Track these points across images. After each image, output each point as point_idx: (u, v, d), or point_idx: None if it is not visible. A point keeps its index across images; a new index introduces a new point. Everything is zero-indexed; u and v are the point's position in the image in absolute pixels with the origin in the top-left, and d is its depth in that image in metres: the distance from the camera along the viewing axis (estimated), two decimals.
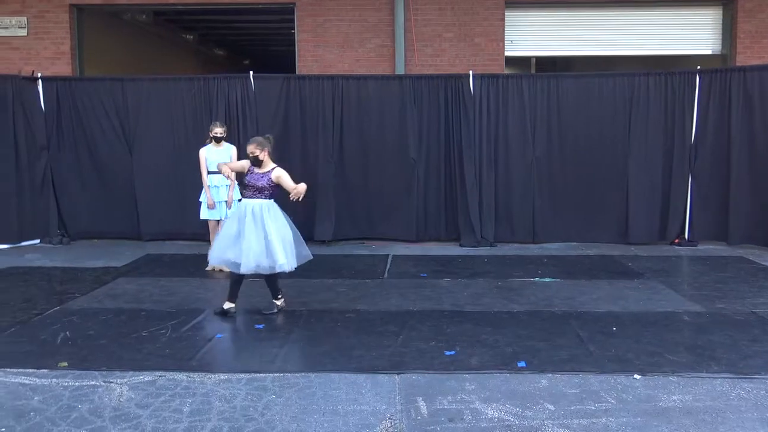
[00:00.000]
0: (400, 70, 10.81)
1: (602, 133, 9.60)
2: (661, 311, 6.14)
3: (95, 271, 8.01)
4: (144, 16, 13.88)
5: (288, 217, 6.10)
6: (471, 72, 9.73)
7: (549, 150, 9.67)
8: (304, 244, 6.11)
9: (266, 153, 6.03)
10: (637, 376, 4.56)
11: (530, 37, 11.32)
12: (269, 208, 5.95)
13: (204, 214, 7.83)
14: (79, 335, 5.49)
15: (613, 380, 4.50)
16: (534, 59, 12.28)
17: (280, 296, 6.20)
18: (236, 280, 6.04)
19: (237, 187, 7.62)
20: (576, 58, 12.56)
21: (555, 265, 8.25)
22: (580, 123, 9.62)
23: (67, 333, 5.55)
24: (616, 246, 9.42)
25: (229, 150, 7.92)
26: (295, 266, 5.95)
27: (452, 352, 5.02)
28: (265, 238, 5.80)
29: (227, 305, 6.06)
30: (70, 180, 10.00)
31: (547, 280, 7.43)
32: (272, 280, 6.12)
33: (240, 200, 6.36)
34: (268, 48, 18.82)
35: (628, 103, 9.56)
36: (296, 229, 6.08)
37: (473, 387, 4.40)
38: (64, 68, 11.13)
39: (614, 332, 5.51)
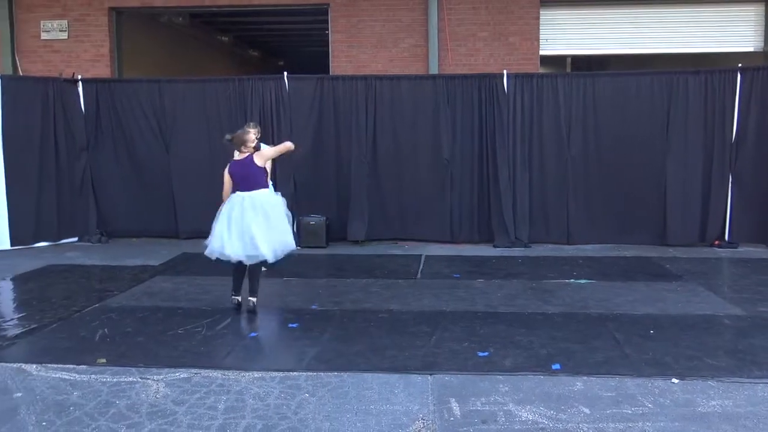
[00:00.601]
0: (434, 69, 10.79)
1: (639, 132, 9.45)
2: (700, 314, 6.02)
3: (133, 269, 8.16)
4: (180, 19, 14.10)
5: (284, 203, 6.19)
6: (505, 71, 9.67)
7: (584, 150, 9.56)
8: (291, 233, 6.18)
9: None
10: (675, 380, 4.48)
11: (565, 35, 11.19)
12: (275, 202, 6.06)
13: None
14: (117, 332, 5.61)
15: (650, 384, 4.43)
16: (569, 58, 12.15)
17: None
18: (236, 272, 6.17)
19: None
20: (612, 57, 12.39)
21: (590, 266, 8.15)
22: (617, 122, 9.48)
23: (106, 330, 5.66)
24: (653, 247, 9.26)
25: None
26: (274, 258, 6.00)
27: (486, 353, 5.00)
28: (269, 226, 5.91)
29: (235, 297, 6.19)
30: (109, 180, 10.21)
31: (582, 281, 7.34)
32: (256, 273, 6.13)
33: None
34: (302, 49, 18.95)
35: (667, 102, 9.38)
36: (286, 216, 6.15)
37: (507, 389, 4.37)
38: (103, 70, 11.37)
39: (651, 335, 5.42)
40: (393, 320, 5.91)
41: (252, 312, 6.03)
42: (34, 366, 4.79)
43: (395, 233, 9.87)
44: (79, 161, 10.08)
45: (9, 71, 11.18)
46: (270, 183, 7.71)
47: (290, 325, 5.78)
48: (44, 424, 3.94)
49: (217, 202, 6.40)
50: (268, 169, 6.38)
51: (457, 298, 6.67)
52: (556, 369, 4.69)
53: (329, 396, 4.28)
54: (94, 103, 10.10)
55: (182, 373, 4.65)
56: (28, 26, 11.45)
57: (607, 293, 6.78)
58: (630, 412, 4.04)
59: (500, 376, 4.56)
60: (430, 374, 4.61)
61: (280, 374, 4.62)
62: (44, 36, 11.48)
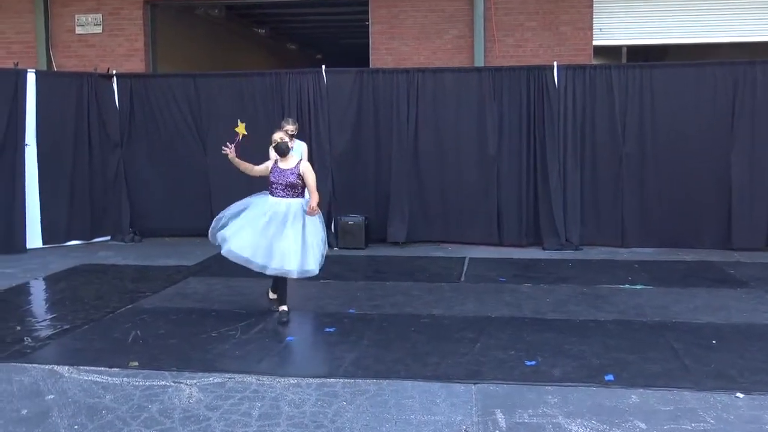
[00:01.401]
0: (479, 62, 10.72)
1: (701, 127, 9.23)
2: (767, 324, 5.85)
3: (166, 269, 8.31)
4: (216, 11, 14.30)
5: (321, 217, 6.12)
6: (555, 63, 9.56)
7: (641, 146, 9.39)
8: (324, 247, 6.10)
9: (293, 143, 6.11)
10: (739, 395, 4.36)
11: (621, 24, 11.02)
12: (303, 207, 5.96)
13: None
14: (150, 334, 5.71)
15: (712, 398, 4.32)
16: (625, 48, 11.91)
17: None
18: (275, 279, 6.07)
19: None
20: (672, 47, 12.10)
21: (647, 270, 8.02)
22: (676, 117, 9.28)
23: (138, 332, 5.77)
24: (716, 251, 9.04)
25: (300, 147, 8.02)
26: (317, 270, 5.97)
27: (533, 362, 4.95)
28: (303, 240, 5.82)
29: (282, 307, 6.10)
30: (143, 177, 10.42)
31: (638, 287, 7.22)
32: (284, 284, 6.10)
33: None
34: (341, 41, 19.03)
35: (731, 96, 9.15)
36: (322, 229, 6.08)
37: (556, 400, 4.31)
38: (137, 65, 11.61)
39: (714, 346, 5.29)
40: (435, 325, 5.89)
41: (284, 323, 5.92)
42: (66, 368, 4.91)
43: (437, 234, 9.84)
44: (112, 157, 10.31)
45: (44, 66, 11.51)
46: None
47: (327, 330, 5.81)
48: (76, 427, 4.03)
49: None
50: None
51: (503, 303, 6.62)
52: (610, 380, 4.61)
53: (367, 404, 4.28)
54: (128, 98, 10.32)
55: (216, 378, 4.71)
56: (63, 20, 11.76)
57: (665, 300, 6.66)
58: (690, 428, 3.94)
59: (549, 387, 4.50)
60: (474, 383, 4.58)
61: (317, 380, 4.65)
62: (79, 30, 11.78)
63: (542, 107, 9.46)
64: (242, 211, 6.09)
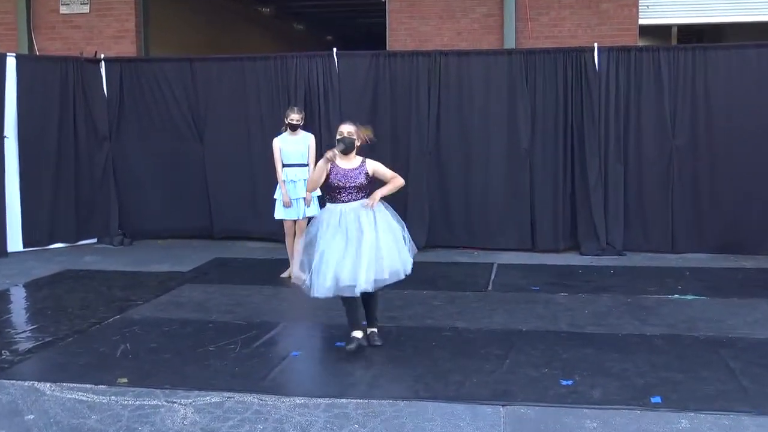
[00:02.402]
0: (510, 43, 10.70)
1: (762, 118, 9.14)
2: None
3: (158, 275, 8.36)
4: None
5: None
6: (596, 44, 9.52)
7: (693, 139, 9.32)
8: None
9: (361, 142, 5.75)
10: None
11: (671, 0, 10.93)
12: (380, 206, 5.70)
13: (279, 213, 8.00)
14: (141, 348, 5.74)
15: None
16: (675, 28, 11.84)
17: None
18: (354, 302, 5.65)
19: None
20: (729, 26, 12.01)
21: (699, 279, 7.97)
22: (735, 106, 9.21)
23: (128, 345, 5.80)
24: None
25: (306, 139, 8.04)
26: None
27: (569, 382, 4.93)
28: (379, 241, 5.56)
29: (356, 333, 5.65)
30: (133, 172, 10.51)
31: (689, 297, 7.17)
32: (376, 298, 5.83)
33: (325, 205, 5.88)
34: (354, 21, 19.06)
35: None
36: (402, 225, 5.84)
37: (595, 425, 4.29)
38: (128, 48, 11.70)
39: None
40: (459, 340, 5.88)
41: (375, 346, 5.69)
42: (48, 385, 4.94)
43: (461, 238, 9.83)
44: (100, 151, 10.40)
45: (25, 50, 11.63)
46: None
47: (337, 344, 5.80)
48: None
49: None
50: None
51: (536, 315, 6.60)
52: (656, 402, 4.59)
53: (383, 428, 4.28)
54: (118, 85, 10.40)
55: (213, 397, 4.73)
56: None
57: (720, 312, 6.60)
58: None
59: (587, 410, 4.48)
60: (503, 405, 4.56)
61: (326, 401, 4.65)
62: (63, 10, 11.89)
63: (581, 95, 9.42)
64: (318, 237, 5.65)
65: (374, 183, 5.80)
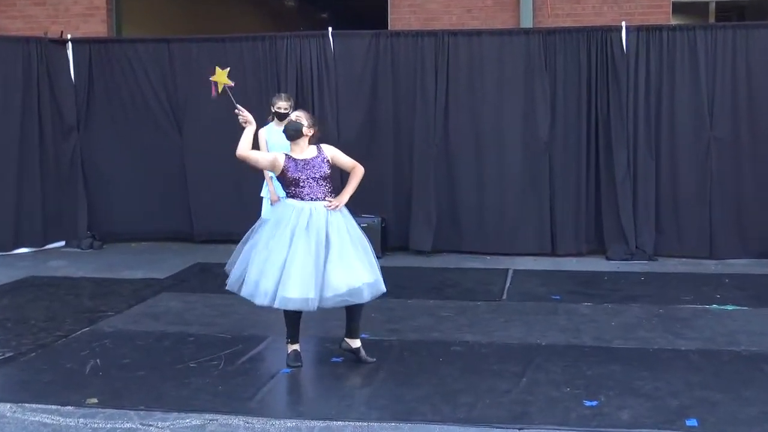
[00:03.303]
0: (527, 22, 10.69)
1: None
2: None
3: (133, 283, 8.36)
4: None
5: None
6: (624, 23, 9.52)
7: (734, 129, 9.34)
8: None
9: (314, 132, 5.71)
10: None
11: None
12: (344, 210, 5.67)
13: (266, 212, 8.00)
14: (113, 364, 5.73)
15: None
16: (714, 4, 11.83)
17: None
18: (297, 315, 5.68)
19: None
20: None
21: (741, 287, 7.98)
22: None
23: (98, 361, 5.80)
24: None
25: None
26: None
27: (594, 403, 4.92)
28: (349, 253, 5.50)
29: (297, 347, 5.74)
30: (104, 167, 10.53)
31: (729, 308, 7.18)
32: (359, 310, 5.75)
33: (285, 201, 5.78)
34: None
35: None
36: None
37: None
38: (97, 27, 11.70)
39: None
40: (469, 355, 5.89)
41: (370, 363, 5.67)
42: (8, 406, 4.93)
43: (472, 241, 9.84)
44: (66, 143, 10.43)
45: None
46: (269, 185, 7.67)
47: (333, 360, 5.82)
48: None
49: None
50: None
51: (557, 327, 6.61)
52: (692, 426, 4.58)
53: None
54: (87, 69, 10.42)
55: (194, 419, 4.72)
56: None
57: (763, 325, 6.61)
58: None
59: None
60: (519, 429, 4.56)
61: (321, 423, 4.64)
62: None
63: (606, 80, 9.43)
64: (259, 241, 5.62)
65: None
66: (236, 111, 5.83)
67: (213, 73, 6.09)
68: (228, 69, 6.13)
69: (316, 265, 5.39)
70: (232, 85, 6.11)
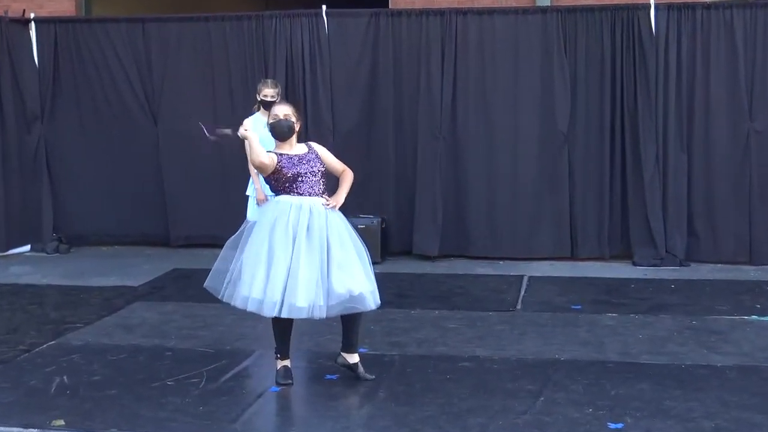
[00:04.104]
0: (545, 0, 10.68)
1: None
2: None
3: (103, 291, 8.35)
4: None
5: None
6: (653, 1, 9.50)
7: None
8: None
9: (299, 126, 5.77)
10: None
11: None
12: (341, 215, 5.69)
13: (252, 212, 7.99)
14: (81, 382, 5.72)
15: None
16: None
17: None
18: (287, 327, 5.71)
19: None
20: None
21: None
22: None
23: (65, 378, 5.79)
24: None
25: None
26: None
27: (620, 425, 4.92)
28: (349, 257, 5.54)
29: (287, 362, 5.78)
30: (71, 162, 10.53)
31: None
32: (357, 321, 5.77)
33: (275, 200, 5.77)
34: None
35: None
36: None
37: None
38: (64, 6, 11.70)
39: None
40: (480, 372, 5.88)
41: (368, 380, 5.68)
42: None
43: (483, 244, 9.84)
44: (29, 135, 10.43)
45: None
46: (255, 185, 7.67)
47: (328, 377, 5.81)
48: None
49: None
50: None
51: (577, 340, 6.62)
52: None
53: None
54: (52, 52, 10.42)
55: None
56: None
57: None
58: None
59: None
60: None
61: None
62: None
63: (633, 64, 9.43)
64: (255, 245, 5.60)
65: None
66: (240, 133, 5.72)
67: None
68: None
69: (321, 270, 5.42)
70: (228, 132, 6.01)
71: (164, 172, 10.37)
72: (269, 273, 5.42)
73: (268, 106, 7.80)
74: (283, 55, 9.97)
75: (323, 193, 5.65)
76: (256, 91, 8.07)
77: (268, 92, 7.88)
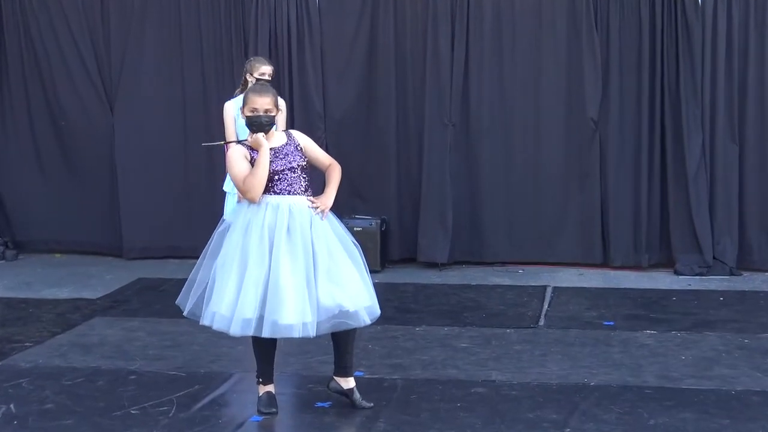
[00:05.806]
0: None
1: None
2: None
3: (57, 304, 8.39)
4: None
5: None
6: None
7: None
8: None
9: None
10: None
11: None
12: (331, 216, 5.71)
13: (231, 211, 8.00)
14: (31, 410, 5.73)
15: None
16: None
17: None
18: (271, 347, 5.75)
19: None
20: None
21: None
22: None
23: (11, 406, 5.79)
24: None
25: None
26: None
27: None
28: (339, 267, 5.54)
29: (270, 388, 5.80)
30: (15, 156, 10.55)
31: None
32: (351, 339, 5.79)
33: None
34: None
35: None
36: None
37: None
38: None
39: None
40: (496, 398, 5.90)
41: (365, 408, 5.71)
42: None
43: (499, 250, 9.89)
44: None
45: None
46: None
47: (318, 405, 5.82)
48: None
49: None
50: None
51: (610, 362, 6.63)
52: None
53: None
54: None
55: None
56: None
57: None
58: None
59: None
60: None
61: None
62: None
63: (676, 42, 9.45)
64: (227, 251, 5.61)
65: None
66: (246, 140, 5.76)
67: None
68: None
69: (308, 280, 5.40)
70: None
71: (119, 167, 10.29)
72: (241, 285, 5.40)
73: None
74: (266, 31, 9.93)
75: (306, 190, 5.65)
76: (243, 71, 7.98)
77: (266, 70, 7.80)
